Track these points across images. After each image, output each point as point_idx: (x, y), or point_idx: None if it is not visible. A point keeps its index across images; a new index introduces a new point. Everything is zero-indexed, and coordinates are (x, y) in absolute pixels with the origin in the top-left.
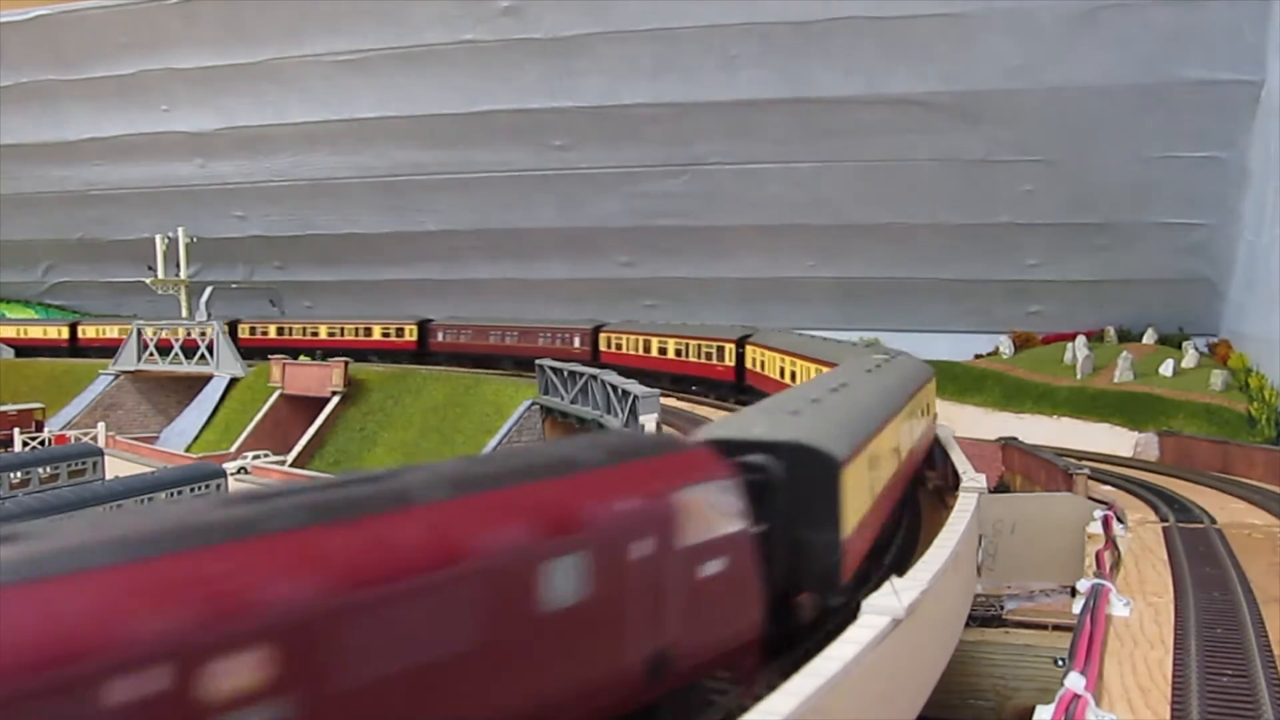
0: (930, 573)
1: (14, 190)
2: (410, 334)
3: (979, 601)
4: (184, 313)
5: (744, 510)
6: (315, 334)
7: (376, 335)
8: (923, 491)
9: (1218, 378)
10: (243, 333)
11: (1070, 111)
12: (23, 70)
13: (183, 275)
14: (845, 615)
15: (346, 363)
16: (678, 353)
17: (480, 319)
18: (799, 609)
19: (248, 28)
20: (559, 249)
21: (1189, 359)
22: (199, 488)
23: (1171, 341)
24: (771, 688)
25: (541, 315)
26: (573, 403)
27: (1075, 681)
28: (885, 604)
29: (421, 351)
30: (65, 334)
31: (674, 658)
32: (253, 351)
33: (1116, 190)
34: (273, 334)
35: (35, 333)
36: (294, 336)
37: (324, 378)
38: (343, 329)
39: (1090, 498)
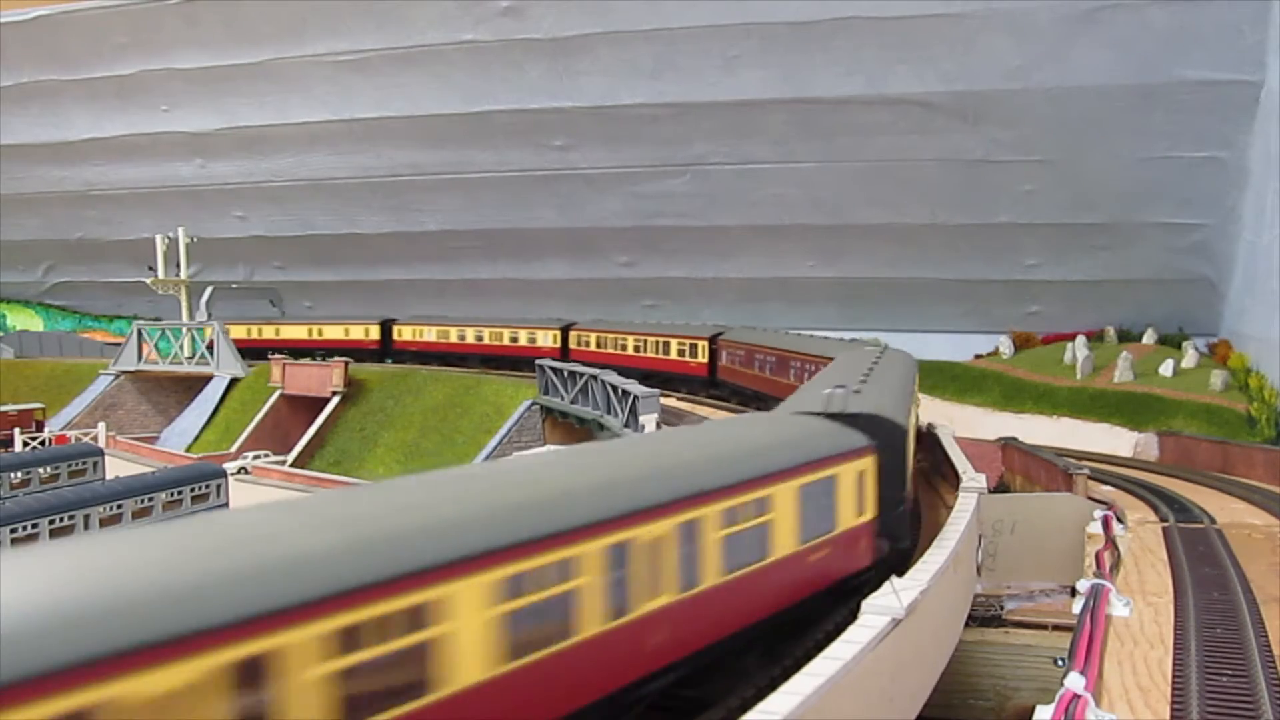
0: (930, 573)
1: (14, 190)
2: (702, 353)
3: (979, 601)
4: (184, 313)
5: None
6: (624, 347)
7: (673, 354)
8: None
9: (1218, 378)
10: (574, 342)
11: (1070, 112)
12: (23, 70)
13: (183, 275)
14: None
15: (346, 363)
16: None
17: (757, 341)
18: None
19: (248, 28)
20: (559, 249)
21: (1189, 359)
22: (199, 488)
23: (1171, 341)
24: (772, 687)
25: (542, 315)
26: (573, 403)
27: (1075, 681)
28: (885, 604)
29: (712, 381)
30: (376, 334)
31: None
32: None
33: (1116, 190)
34: (593, 345)
35: (335, 333)
36: (608, 349)
37: (324, 378)
38: (645, 342)
39: (1090, 498)
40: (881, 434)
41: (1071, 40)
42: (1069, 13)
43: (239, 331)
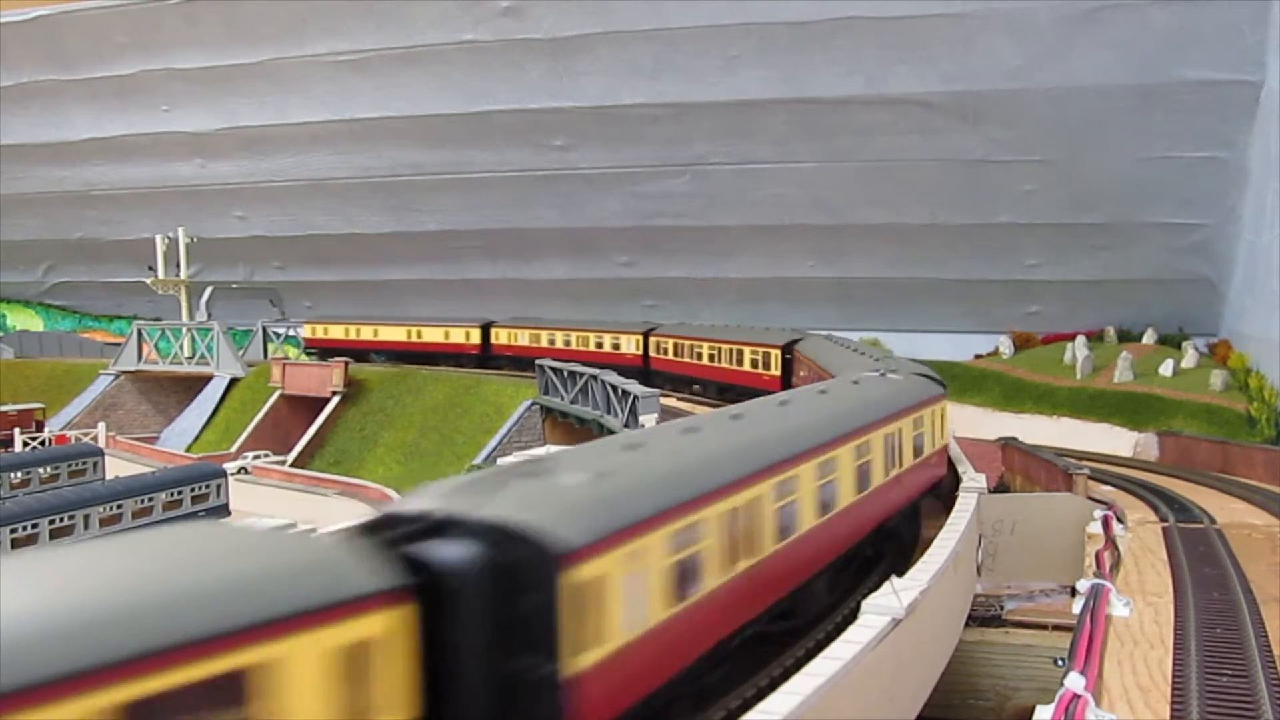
0: (930, 573)
1: (15, 190)
2: (775, 365)
3: (979, 601)
4: (184, 313)
5: None
6: (699, 355)
7: (746, 364)
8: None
9: (1218, 378)
10: (653, 349)
11: (1070, 111)
12: (23, 70)
13: (183, 276)
14: (846, 615)
15: (346, 363)
16: None
17: (813, 355)
18: None
19: (248, 28)
20: (559, 249)
21: (1189, 359)
22: (199, 488)
23: (1171, 341)
24: (772, 687)
25: (540, 315)
26: (573, 403)
27: (1075, 681)
28: (885, 604)
29: None
30: (477, 338)
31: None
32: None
33: (1116, 190)
34: (670, 353)
35: (434, 335)
36: (685, 358)
37: (324, 378)
38: (720, 351)
39: (1090, 498)
40: (498, 561)
41: (1071, 40)
42: (1069, 13)
43: (337, 332)
